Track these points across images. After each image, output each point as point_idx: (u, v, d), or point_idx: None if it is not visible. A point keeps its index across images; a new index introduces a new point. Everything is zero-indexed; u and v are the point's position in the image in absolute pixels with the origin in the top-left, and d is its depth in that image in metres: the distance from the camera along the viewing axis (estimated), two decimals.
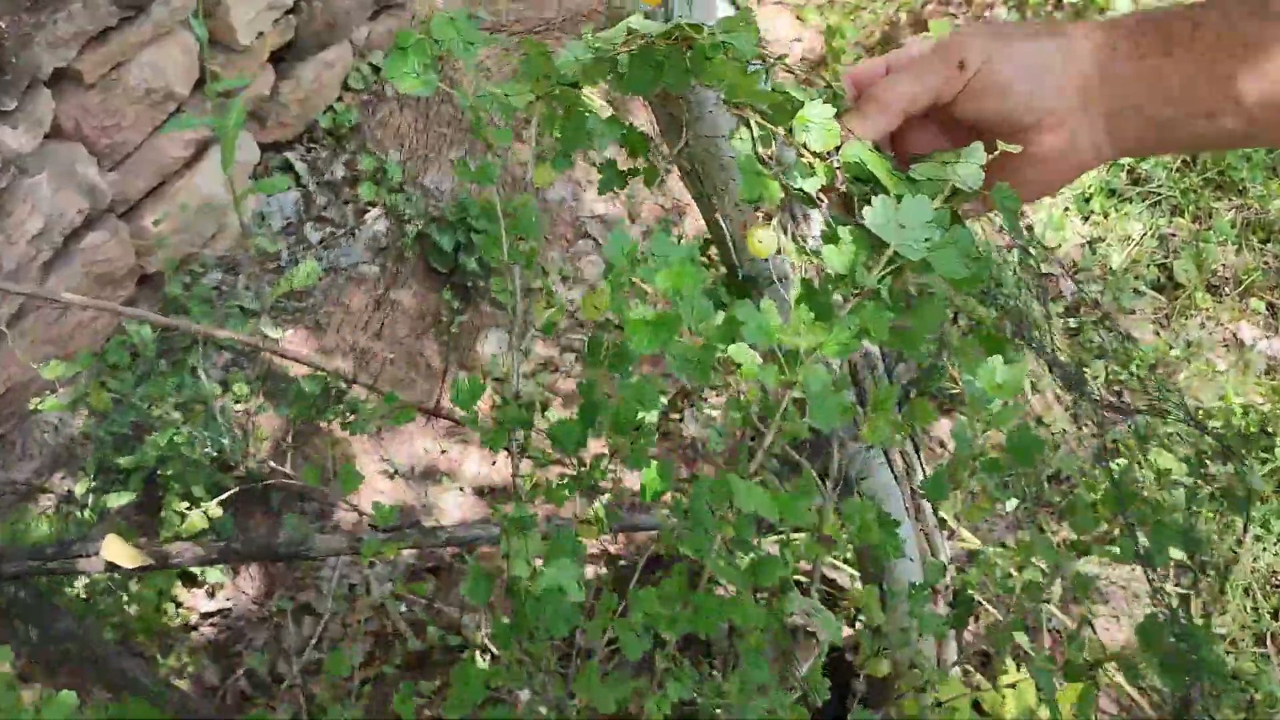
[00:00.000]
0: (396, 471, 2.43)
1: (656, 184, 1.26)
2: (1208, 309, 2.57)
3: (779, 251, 1.06)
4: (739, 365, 0.92)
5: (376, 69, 2.84)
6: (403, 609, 2.26)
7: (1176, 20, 0.89)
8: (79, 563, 1.39)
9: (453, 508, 2.44)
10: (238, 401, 2.28)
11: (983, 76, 0.88)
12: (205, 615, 2.19)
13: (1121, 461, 1.49)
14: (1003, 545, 1.72)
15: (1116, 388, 2.47)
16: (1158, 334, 2.53)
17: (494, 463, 2.48)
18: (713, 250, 1.30)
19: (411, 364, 2.55)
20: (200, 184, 2.45)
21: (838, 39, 3.46)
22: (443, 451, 2.48)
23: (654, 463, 1.04)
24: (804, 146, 0.92)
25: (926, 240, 0.85)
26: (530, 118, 1.23)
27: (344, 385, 2.05)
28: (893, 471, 1.49)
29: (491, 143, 1.04)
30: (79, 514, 2.05)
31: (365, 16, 2.83)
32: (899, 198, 0.86)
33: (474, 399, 1.08)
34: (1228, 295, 2.60)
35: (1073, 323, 2.50)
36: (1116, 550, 1.32)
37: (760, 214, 1.01)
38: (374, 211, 2.63)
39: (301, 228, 2.61)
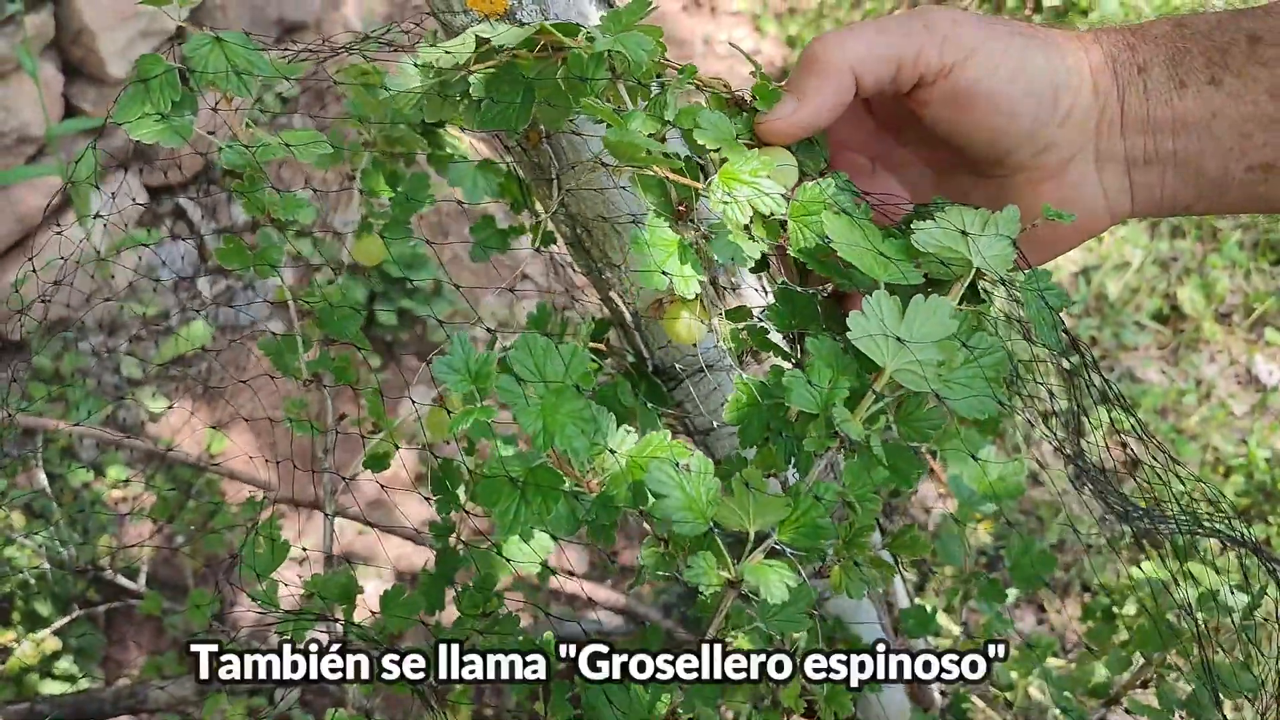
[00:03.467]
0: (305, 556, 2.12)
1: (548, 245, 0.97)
2: (1217, 341, 2.29)
3: (711, 331, 0.77)
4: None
5: (285, 100, 2.54)
6: None
7: (1227, 32, 0.61)
8: None
9: (372, 596, 2.13)
10: (114, 487, 1.97)
11: (974, 75, 0.60)
12: None
13: (1147, 565, 1.20)
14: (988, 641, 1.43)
15: (1121, 438, 2.18)
16: (1164, 372, 2.25)
17: (418, 538, 2.17)
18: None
19: (311, 454, 2.24)
20: (73, 236, 2.15)
21: (799, 51, 3.18)
22: (359, 532, 2.18)
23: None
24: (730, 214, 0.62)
25: (941, 364, 0.56)
26: (354, 171, 0.94)
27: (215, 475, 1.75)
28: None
29: (277, 217, 0.74)
30: None
31: (269, 41, 2.53)
32: (897, 294, 0.57)
33: (271, 568, 0.78)
34: (1238, 325, 2.32)
35: (1067, 364, 2.21)
36: (1152, 700, 1.03)
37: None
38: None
39: (195, 281, 2.31)
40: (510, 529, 0.54)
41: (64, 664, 1.73)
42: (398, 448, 0.88)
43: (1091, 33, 0.64)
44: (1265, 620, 1.04)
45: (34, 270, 0.87)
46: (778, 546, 0.55)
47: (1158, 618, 1.01)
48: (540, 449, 0.54)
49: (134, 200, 1.33)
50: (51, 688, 1.72)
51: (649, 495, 0.54)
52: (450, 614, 0.92)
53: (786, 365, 0.68)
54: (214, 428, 2.09)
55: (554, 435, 0.53)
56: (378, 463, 0.89)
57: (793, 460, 0.60)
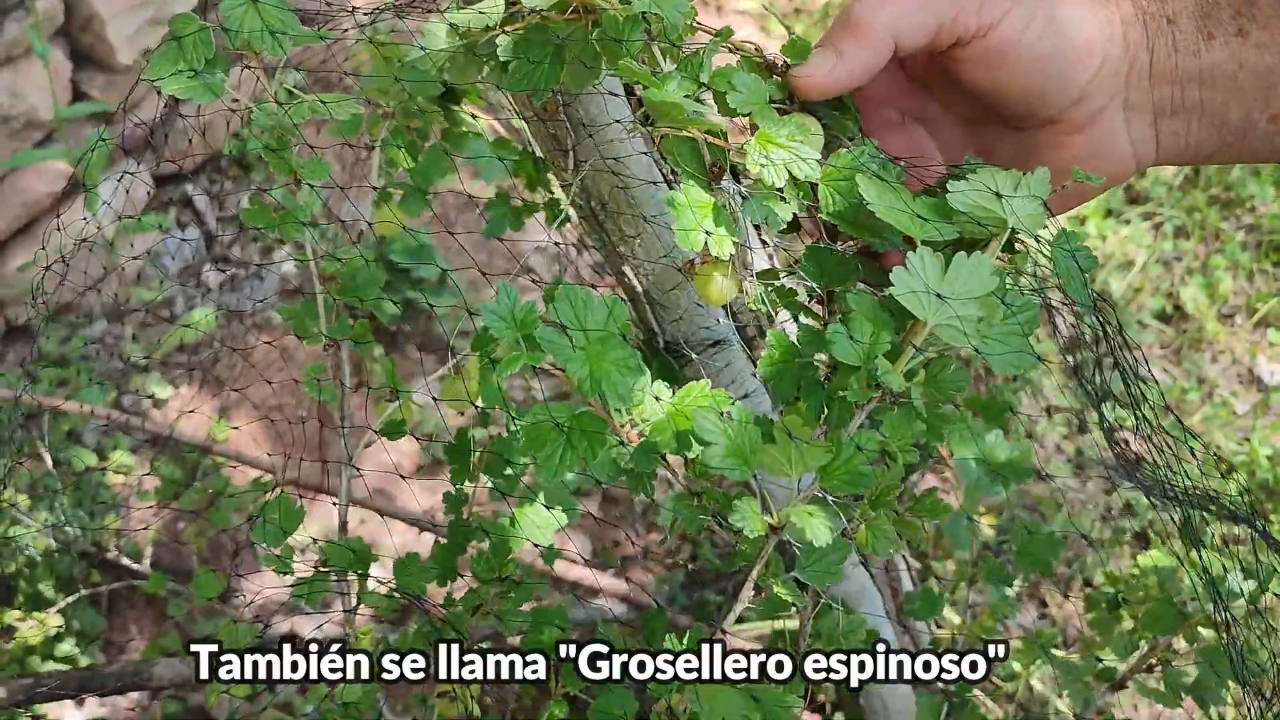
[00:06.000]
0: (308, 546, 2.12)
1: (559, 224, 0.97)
2: (1220, 341, 2.30)
3: (743, 295, 0.77)
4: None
5: (291, 92, 2.54)
6: (309, 710, 1.94)
7: None
8: None
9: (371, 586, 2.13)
10: (118, 473, 1.97)
11: (1009, 33, 0.61)
12: None
13: (1154, 555, 1.20)
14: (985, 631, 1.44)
15: (1123, 434, 2.19)
16: (1166, 371, 2.26)
17: (420, 533, 2.17)
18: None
19: (328, 419, 2.24)
20: (80, 222, 2.15)
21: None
22: (362, 521, 2.18)
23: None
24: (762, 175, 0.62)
25: (981, 320, 0.56)
26: (374, 142, 0.94)
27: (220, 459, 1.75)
28: (869, 569, 1.20)
29: (299, 175, 0.75)
30: None
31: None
32: (937, 251, 0.57)
33: (285, 535, 0.79)
34: (1241, 326, 2.33)
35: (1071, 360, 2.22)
36: (1157, 684, 1.03)
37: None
38: (283, 249, 2.33)
39: (201, 269, 2.31)
40: (555, 474, 0.54)
41: (65, 646, 1.73)
42: (439, 400, 0.87)
43: None
44: (1274, 602, 1.04)
45: (43, 249, 0.87)
46: (819, 494, 0.56)
47: (1166, 601, 1.01)
48: (587, 394, 0.54)
49: (147, 176, 1.33)
50: (53, 670, 1.72)
51: (694, 442, 0.55)
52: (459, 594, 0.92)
53: (816, 325, 0.69)
54: (220, 415, 2.09)
55: (600, 381, 0.54)
56: (395, 429, 0.89)
57: (822, 417, 0.61)
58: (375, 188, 0.88)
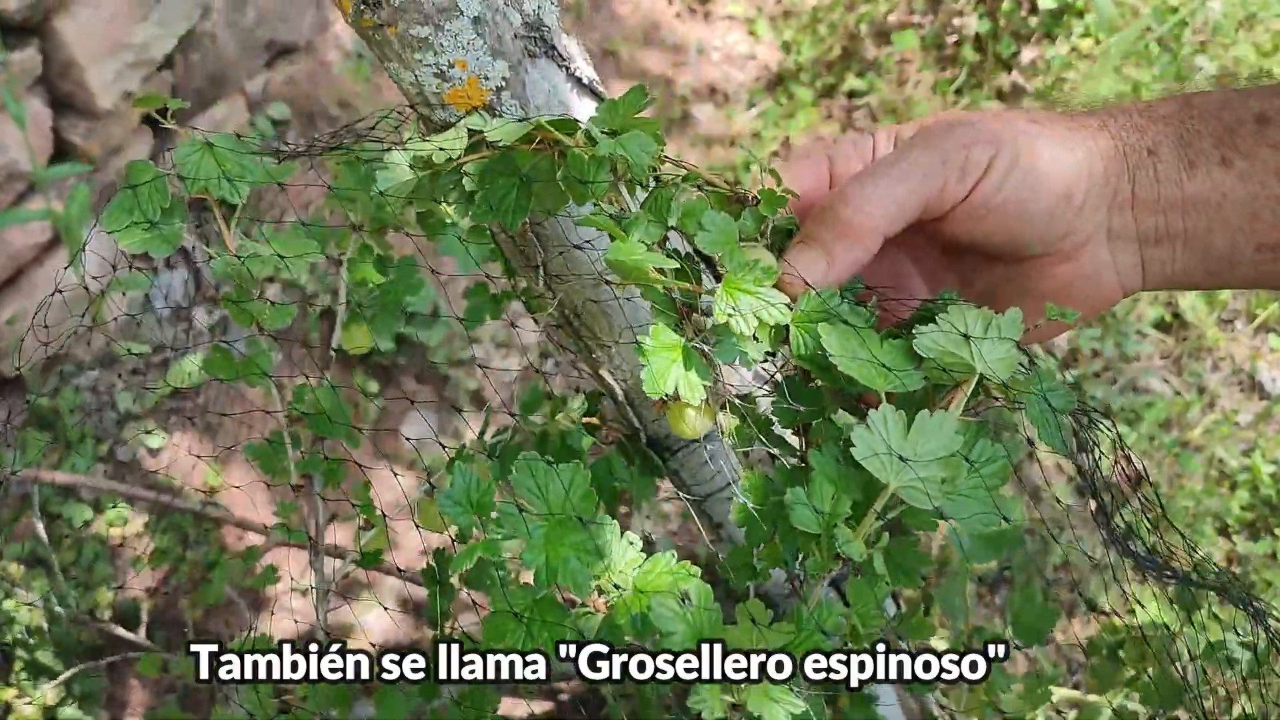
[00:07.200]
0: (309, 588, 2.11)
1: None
2: (1220, 349, 2.28)
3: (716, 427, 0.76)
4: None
5: (276, 123, 2.52)
6: None
7: (1235, 112, 0.61)
8: None
9: (374, 626, 2.12)
10: (112, 526, 1.96)
11: (989, 190, 0.60)
12: None
13: (1151, 608, 1.19)
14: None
15: (1125, 452, 2.16)
16: (1166, 381, 2.24)
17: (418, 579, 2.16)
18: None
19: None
20: (68, 273, 2.13)
21: (795, 56, 3.16)
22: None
23: None
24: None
25: (944, 481, 0.55)
26: (342, 257, 0.92)
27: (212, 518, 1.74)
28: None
29: (261, 324, 0.73)
30: None
31: (259, 65, 2.51)
32: (902, 405, 0.56)
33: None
34: (1240, 331, 2.31)
35: (1070, 377, 2.21)
36: None
37: None
38: (272, 289, 2.32)
39: (191, 312, 2.30)
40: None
41: (68, 710, 1.72)
42: (436, 504, 0.86)
43: (1098, 117, 0.64)
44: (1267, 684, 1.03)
45: (31, 329, 0.86)
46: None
47: (1158, 679, 1.00)
48: (543, 583, 0.53)
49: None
50: None
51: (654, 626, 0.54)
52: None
53: (791, 460, 0.68)
54: (214, 461, 2.08)
55: (556, 570, 0.53)
56: (372, 560, 0.88)
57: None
58: (338, 258, 0.86)
